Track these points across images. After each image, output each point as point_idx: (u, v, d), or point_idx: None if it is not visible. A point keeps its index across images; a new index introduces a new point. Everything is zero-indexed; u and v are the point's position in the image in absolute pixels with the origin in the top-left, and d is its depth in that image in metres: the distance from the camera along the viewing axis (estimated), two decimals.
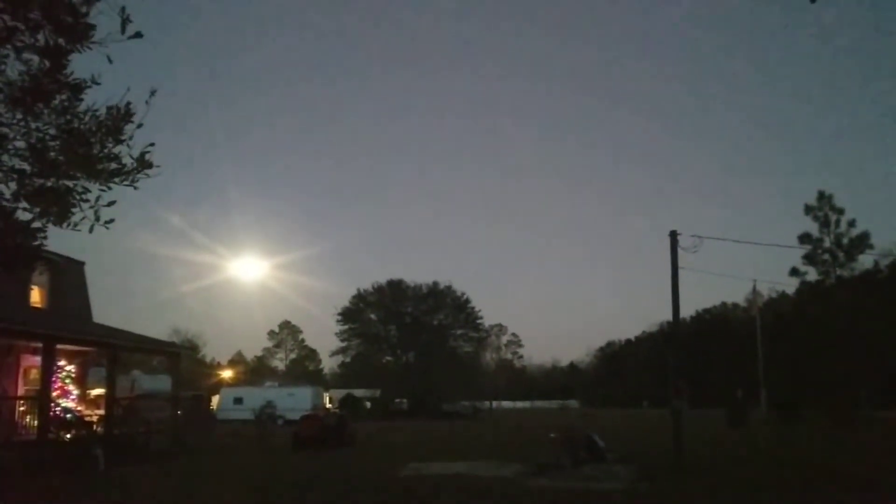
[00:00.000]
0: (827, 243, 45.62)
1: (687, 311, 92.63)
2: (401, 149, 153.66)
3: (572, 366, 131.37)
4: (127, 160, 7.95)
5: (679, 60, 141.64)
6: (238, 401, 54.26)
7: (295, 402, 51.38)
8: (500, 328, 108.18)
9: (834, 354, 43.43)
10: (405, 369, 79.18)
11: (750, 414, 42.67)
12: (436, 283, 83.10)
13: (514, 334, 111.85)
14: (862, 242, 45.09)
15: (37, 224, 7.85)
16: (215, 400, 56.37)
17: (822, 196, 46.18)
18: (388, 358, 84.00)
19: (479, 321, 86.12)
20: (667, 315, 24.62)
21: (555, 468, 18.36)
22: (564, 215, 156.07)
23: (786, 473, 17.44)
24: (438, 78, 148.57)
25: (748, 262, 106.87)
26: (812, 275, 46.52)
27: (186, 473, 18.95)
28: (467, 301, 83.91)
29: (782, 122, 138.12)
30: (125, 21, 6.75)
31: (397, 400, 73.69)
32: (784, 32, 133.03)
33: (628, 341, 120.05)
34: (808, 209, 46.04)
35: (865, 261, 45.76)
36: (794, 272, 46.65)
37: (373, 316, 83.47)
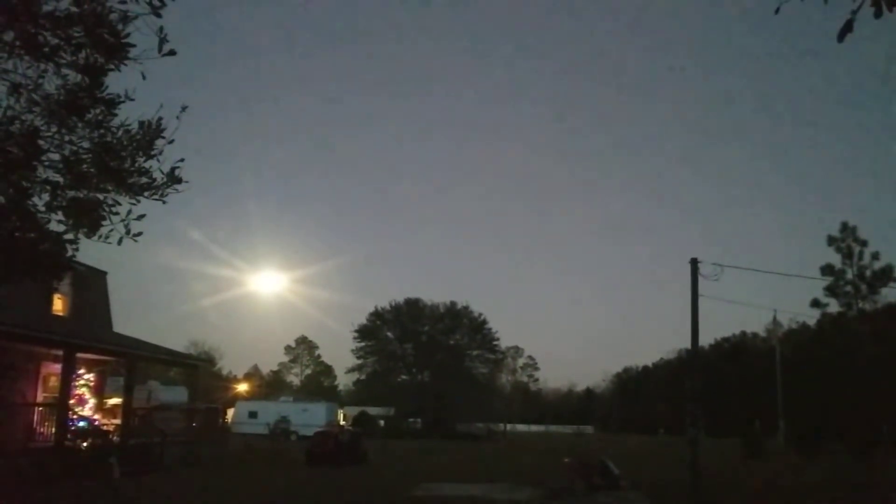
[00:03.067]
0: (850, 275, 45.17)
1: (706, 339, 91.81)
2: (423, 168, 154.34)
3: (588, 391, 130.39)
4: (157, 175, 8.11)
5: (697, 88, 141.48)
6: (253, 415, 54.38)
7: (309, 417, 51.41)
8: (517, 350, 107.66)
9: (855, 387, 42.87)
10: (420, 389, 78.93)
11: (767, 445, 42.13)
12: (453, 303, 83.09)
13: (530, 357, 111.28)
14: (885, 275, 44.57)
15: (68, 235, 8.02)
16: (230, 413, 56.52)
17: (845, 227, 45.79)
18: (404, 377, 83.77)
19: (495, 343, 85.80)
20: (685, 342, 24.56)
21: (568, 494, 18.26)
22: (585, 240, 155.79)
23: None
24: (463, 99, 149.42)
25: (769, 291, 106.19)
26: (834, 306, 46.02)
27: (199, 485, 19.02)
28: (484, 322, 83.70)
29: (806, 152, 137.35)
30: (162, 41, 6.92)
31: (411, 419, 73.43)
32: (806, 63, 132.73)
33: (645, 368, 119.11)
34: (832, 240, 45.64)
35: (889, 294, 45.21)
36: (816, 303, 46.15)
37: (389, 334, 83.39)
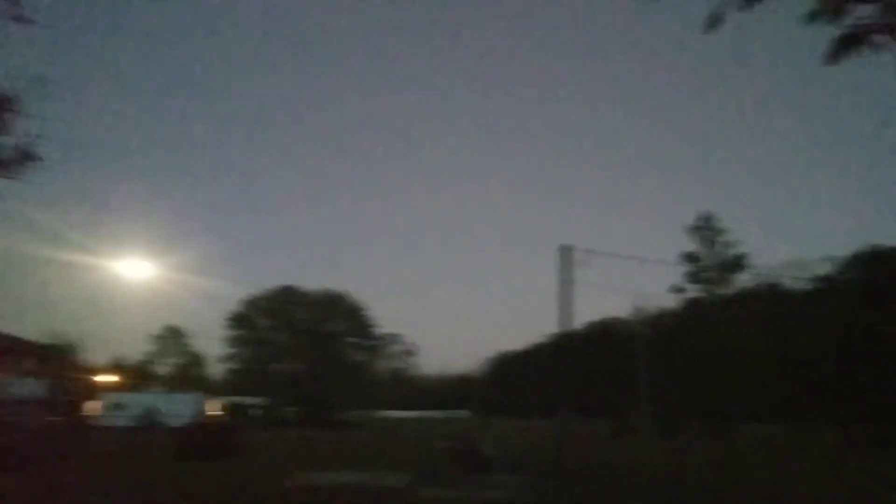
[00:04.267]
0: (708, 262, 48.08)
1: (577, 323, 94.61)
2: (297, 153, 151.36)
3: (465, 376, 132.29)
4: (8, 152, 7.55)
5: (566, 74, 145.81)
6: (120, 407, 52.23)
7: (179, 408, 49.78)
8: (395, 337, 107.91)
9: (712, 369, 45.62)
10: (296, 377, 78.08)
11: (633, 425, 44.26)
12: (330, 290, 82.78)
13: (407, 343, 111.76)
14: (739, 262, 47.77)
15: None
16: (95, 406, 53.89)
17: (704, 217, 48.67)
18: (279, 365, 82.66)
19: (373, 329, 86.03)
20: (563, 326, 25.21)
21: (444, 478, 18.48)
22: (462, 227, 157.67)
23: (658, 483, 18.17)
24: (333, 83, 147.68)
25: (638, 277, 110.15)
26: (694, 291, 48.89)
27: (59, 482, 18.01)
28: (361, 309, 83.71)
29: (671, 144, 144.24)
30: (15, 7, 6.44)
31: (287, 408, 72.44)
32: (669, 51, 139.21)
33: (520, 352, 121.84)
34: (692, 229, 48.43)
35: (743, 280, 48.47)
36: (676, 289, 48.86)
37: (264, 322, 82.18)
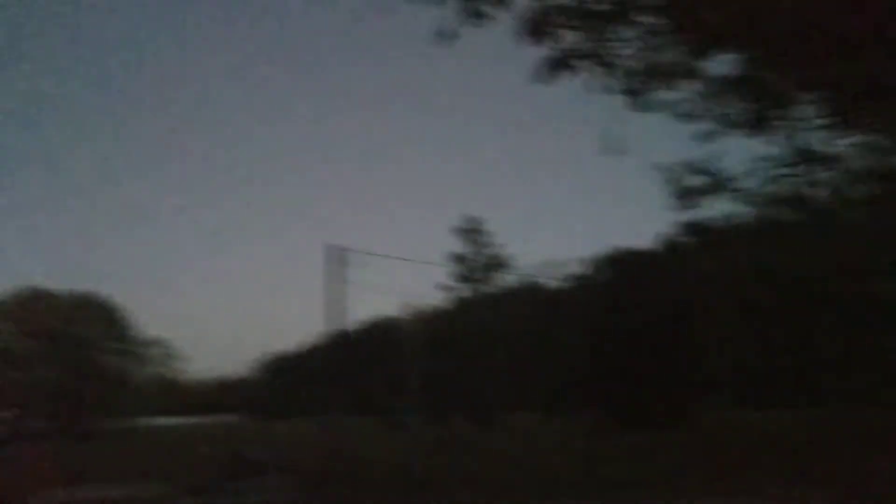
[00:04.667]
0: (474, 262, 50.65)
1: (354, 322, 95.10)
2: (53, 142, 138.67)
3: (237, 378, 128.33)
4: None
5: (354, 76, 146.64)
6: None
7: None
8: (157, 341, 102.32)
9: (477, 363, 48.06)
10: (45, 387, 71.80)
11: (407, 420, 45.44)
12: (84, 292, 77.33)
13: (172, 346, 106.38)
14: (502, 262, 50.86)
15: None
16: None
17: (471, 220, 51.30)
18: (24, 375, 75.53)
19: (132, 333, 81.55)
20: (334, 327, 25.26)
21: (207, 486, 17.83)
22: (230, 227, 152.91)
23: (430, 476, 18.82)
24: (79, 62, 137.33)
25: (411, 276, 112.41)
26: (462, 290, 51.33)
27: None
28: (118, 312, 79.11)
29: (444, 148, 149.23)
30: None
31: (34, 422, 66.30)
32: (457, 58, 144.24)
33: (292, 353, 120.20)
34: (460, 231, 50.80)
35: (506, 279, 51.67)
36: (444, 287, 51.04)
37: (2, 327, 75.03)
